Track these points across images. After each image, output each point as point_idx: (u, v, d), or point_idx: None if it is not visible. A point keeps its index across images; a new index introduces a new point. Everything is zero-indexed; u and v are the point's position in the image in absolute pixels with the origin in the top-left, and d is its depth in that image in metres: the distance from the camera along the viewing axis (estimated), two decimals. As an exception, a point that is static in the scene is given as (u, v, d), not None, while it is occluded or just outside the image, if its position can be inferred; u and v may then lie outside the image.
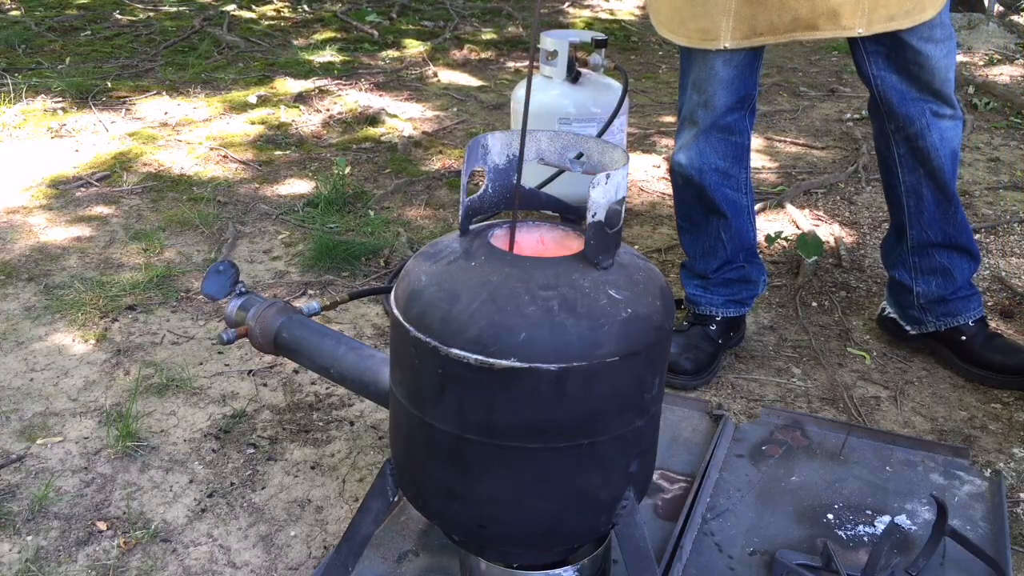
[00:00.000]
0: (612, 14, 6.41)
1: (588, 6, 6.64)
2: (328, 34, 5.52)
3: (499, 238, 1.23)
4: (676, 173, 2.09)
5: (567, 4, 6.56)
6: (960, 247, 2.10)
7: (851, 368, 2.22)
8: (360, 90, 4.39)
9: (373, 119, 3.94)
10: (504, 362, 1.08)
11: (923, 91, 1.91)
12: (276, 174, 3.35)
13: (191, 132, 3.74)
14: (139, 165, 3.38)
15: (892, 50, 1.87)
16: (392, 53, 5.10)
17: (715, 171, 2.04)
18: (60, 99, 4.07)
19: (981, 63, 4.98)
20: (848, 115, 4.15)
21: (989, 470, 1.83)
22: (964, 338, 2.15)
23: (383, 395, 1.32)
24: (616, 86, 2.86)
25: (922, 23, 1.81)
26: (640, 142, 3.77)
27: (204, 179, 3.28)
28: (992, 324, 2.34)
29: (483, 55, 5.11)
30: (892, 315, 2.25)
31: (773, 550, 1.46)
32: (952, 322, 2.15)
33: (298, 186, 3.24)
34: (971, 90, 4.40)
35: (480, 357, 1.08)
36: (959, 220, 2.07)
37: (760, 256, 2.26)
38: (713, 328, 2.17)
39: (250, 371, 2.15)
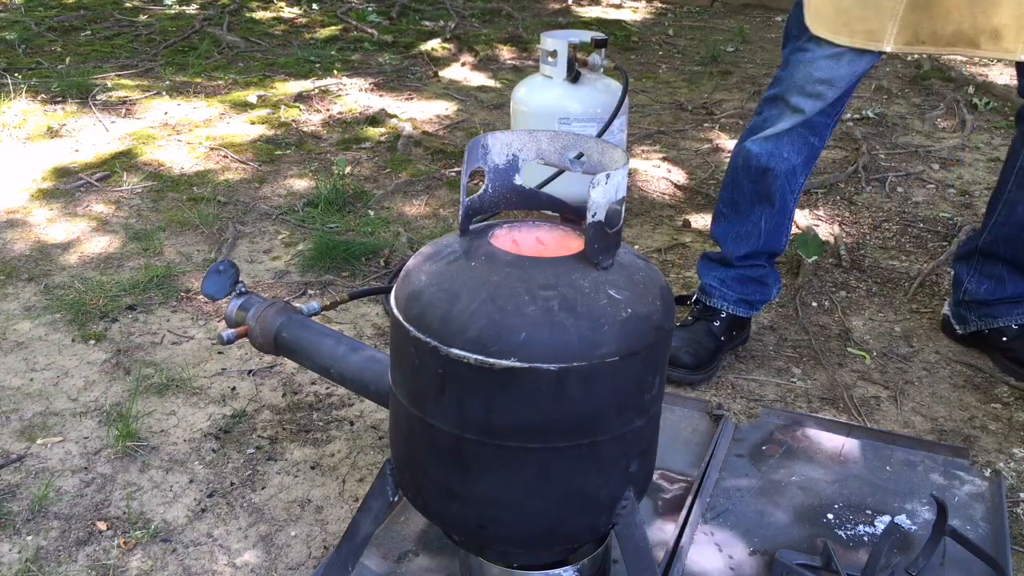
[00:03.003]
0: (618, 9, 6.41)
1: (589, 6, 6.64)
2: (328, 34, 5.52)
3: (499, 238, 1.23)
4: (742, 154, 2.07)
5: (568, 4, 6.56)
6: (1021, 267, 2.16)
7: (851, 368, 2.22)
8: (360, 90, 4.39)
9: (373, 119, 3.94)
10: (504, 362, 1.08)
11: None
12: (276, 174, 3.35)
13: (191, 132, 3.74)
14: (139, 165, 3.38)
15: None
16: (392, 53, 5.10)
17: (785, 162, 2.03)
18: (60, 99, 4.07)
19: (981, 63, 4.98)
20: (848, 115, 4.15)
21: (989, 470, 1.83)
22: (1005, 339, 2.20)
23: (383, 395, 1.32)
24: (616, 86, 2.86)
25: None
26: (640, 142, 3.77)
27: (204, 179, 3.28)
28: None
29: (483, 55, 5.11)
30: (947, 312, 2.33)
31: (773, 550, 1.46)
32: (993, 323, 2.21)
33: (298, 186, 3.24)
34: (971, 90, 4.40)
35: (480, 357, 1.08)
36: None
37: (776, 266, 2.25)
38: (717, 324, 2.17)
39: (250, 371, 2.15)
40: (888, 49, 1.84)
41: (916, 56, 5.03)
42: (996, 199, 2.16)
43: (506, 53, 5.20)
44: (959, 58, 4.98)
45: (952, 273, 2.32)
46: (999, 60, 1.85)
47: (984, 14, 1.74)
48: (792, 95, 1.97)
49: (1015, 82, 2.06)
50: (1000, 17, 1.73)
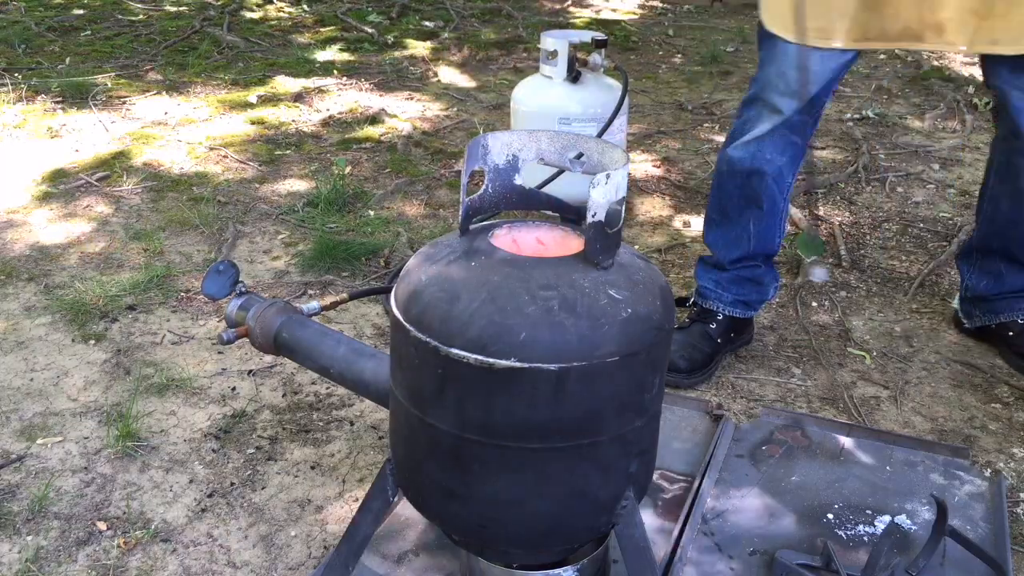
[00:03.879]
0: (614, 11, 6.41)
1: (589, 6, 6.64)
2: (328, 34, 5.52)
3: (499, 238, 1.23)
4: (725, 160, 2.08)
5: (568, 4, 6.56)
6: (1019, 262, 2.18)
7: (851, 368, 2.22)
8: (360, 90, 4.39)
9: (373, 119, 3.94)
10: (504, 362, 1.08)
11: None
12: (276, 174, 3.35)
13: (191, 132, 3.74)
14: (139, 165, 3.38)
15: (1017, 63, 1.88)
16: (392, 53, 5.10)
17: (769, 164, 2.03)
18: (60, 99, 4.07)
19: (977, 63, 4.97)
20: (848, 115, 4.15)
21: (989, 470, 1.83)
22: (1011, 333, 2.23)
23: (383, 395, 1.32)
24: (616, 86, 2.86)
25: None
26: (640, 142, 3.77)
27: (204, 179, 3.28)
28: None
29: (483, 55, 5.11)
30: (955, 307, 2.37)
31: (773, 550, 1.46)
32: (996, 318, 2.24)
33: (298, 186, 3.24)
34: (971, 90, 4.40)
35: (480, 357, 1.08)
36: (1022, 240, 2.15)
37: (775, 265, 2.25)
38: (714, 327, 2.17)
39: (250, 371, 2.15)
40: (838, 46, 1.88)
41: (912, 56, 5.03)
42: (982, 195, 2.20)
43: (506, 53, 5.20)
44: (960, 58, 4.97)
45: (957, 268, 2.36)
46: (942, 51, 1.90)
47: (930, 10, 1.81)
48: (770, 95, 1.98)
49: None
50: (945, 12, 1.80)
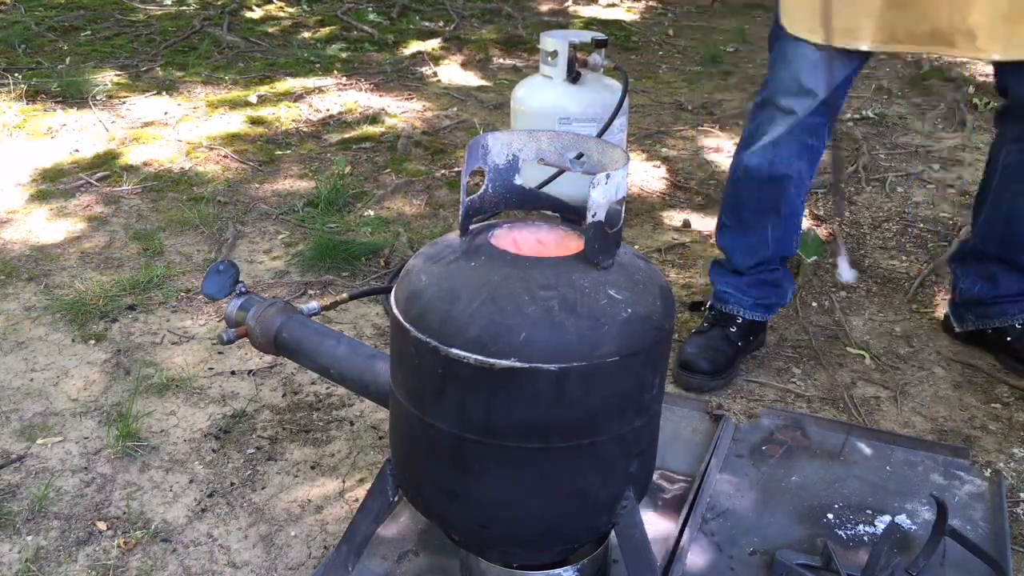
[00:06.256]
0: (613, 8, 6.41)
1: (588, 6, 6.63)
2: (328, 34, 5.52)
3: (499, 238, 1.23)
4: (741, 167, 2.05)
5: (568, 4, 6.56)
6: (1017, 266, 2.16)
7: (851, 368, 2.22)
8: (360, 90, 4.39)
9: (373, 119, 3.94)
10: (504, 362, 1.08)
11: None
12: (276, 174, 3.35)
13: (191, 131, 3.74)
14: (139, 165, 3.38)
15: None
16: (392, 53, 5.10)
17: (786, 169, 2.01)
18: (60, 99, 4.07)
19: (981, 63, 4.98)
20: (848, 115, 4.15)
21: (989, 470, 1.83)
22: (1009, 339, 2.19)
23: (383, 395, 1.32)
24: (616, 86, 2.86)
25: None
26: (640, 142, 3.77)
27: (204, 179, 3.28)
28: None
29: (483, 55, 5.11)
30: (947, 311, 2.34)
31: (773, 550, 1.46)
32: (990, 323, 2.21)
33: (298, 186, 3.24)
34: (971, 90, 4.40)
35: (480, 357, 1.08)
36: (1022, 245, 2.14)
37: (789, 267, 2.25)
38: (734, 330, 2.16)
39: (250, 371, 2.15)
40: (865, 47, 1.83)
41: (912, 55, 5.03)
42: (981, 198, 2.17)
43: (505, 53, 5.20)
44: (960, 59, 4.97)
45: (950, 271, 2.34)
46: (975, 60, 1.82)
47: (960, 13, 1.74)
48: (780, 97, 1.96)
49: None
50: (975, 16, 1.73)
